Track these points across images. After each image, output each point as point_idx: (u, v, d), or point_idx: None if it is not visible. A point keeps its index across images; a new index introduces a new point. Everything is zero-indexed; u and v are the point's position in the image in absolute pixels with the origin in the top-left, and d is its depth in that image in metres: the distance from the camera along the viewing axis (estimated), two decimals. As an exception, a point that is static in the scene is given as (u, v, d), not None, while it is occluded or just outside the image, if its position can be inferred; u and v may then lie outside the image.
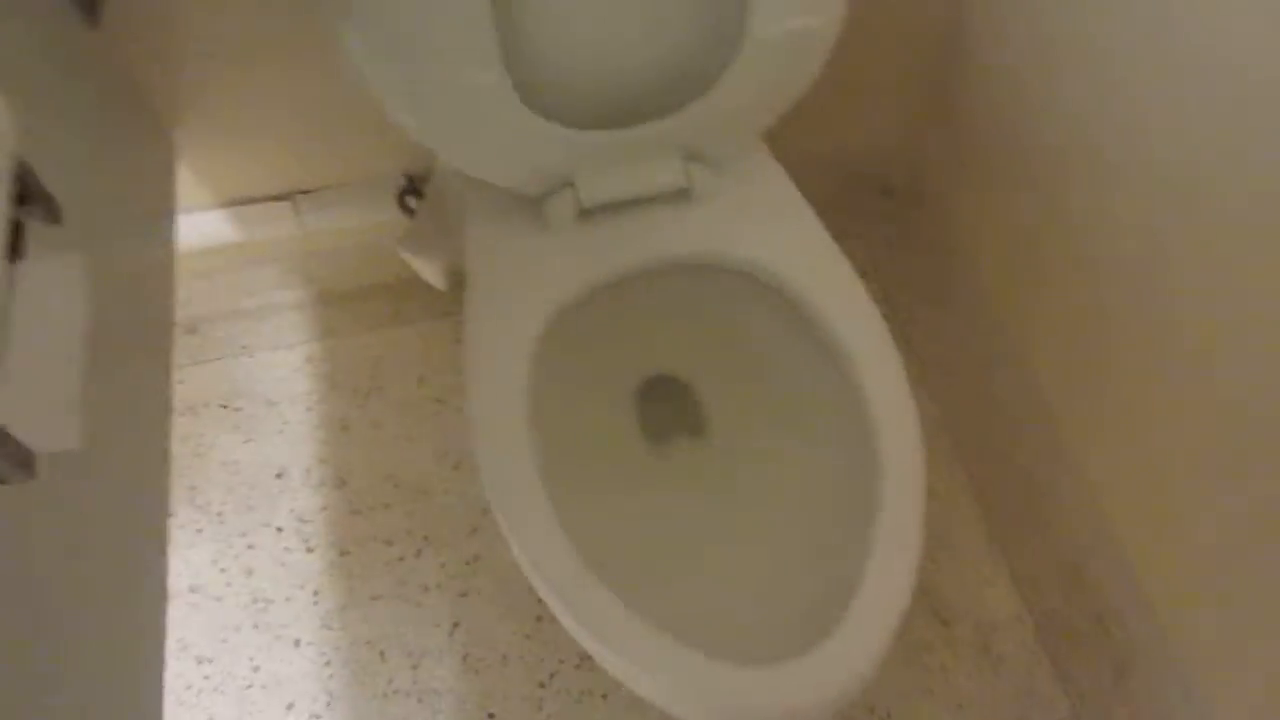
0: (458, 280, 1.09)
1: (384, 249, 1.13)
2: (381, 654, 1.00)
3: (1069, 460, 1.01)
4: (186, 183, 1.02)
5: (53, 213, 0.50)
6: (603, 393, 0.90)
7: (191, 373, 1.18)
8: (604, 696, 0.97)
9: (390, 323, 1.21)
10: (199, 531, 1.07)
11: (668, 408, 0.91)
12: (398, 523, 1.07)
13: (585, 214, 0.82)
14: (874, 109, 1.19)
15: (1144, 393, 0.86)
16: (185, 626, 1.02)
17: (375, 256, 1.18)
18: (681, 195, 0.83)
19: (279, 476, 1.10)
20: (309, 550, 1.06)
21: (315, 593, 1.03)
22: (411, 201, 1.03)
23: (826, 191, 1.29)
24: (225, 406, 1.16)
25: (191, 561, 1.05)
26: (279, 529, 1.07)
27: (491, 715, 0.97)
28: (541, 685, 0.98)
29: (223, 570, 1.05)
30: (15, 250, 0.48)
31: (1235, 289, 0.72)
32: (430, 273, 1.06)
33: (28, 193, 0.49)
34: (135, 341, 0.79)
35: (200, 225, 1.07)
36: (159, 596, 0.73)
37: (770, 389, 0.87)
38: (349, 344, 1.20)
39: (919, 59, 1.12)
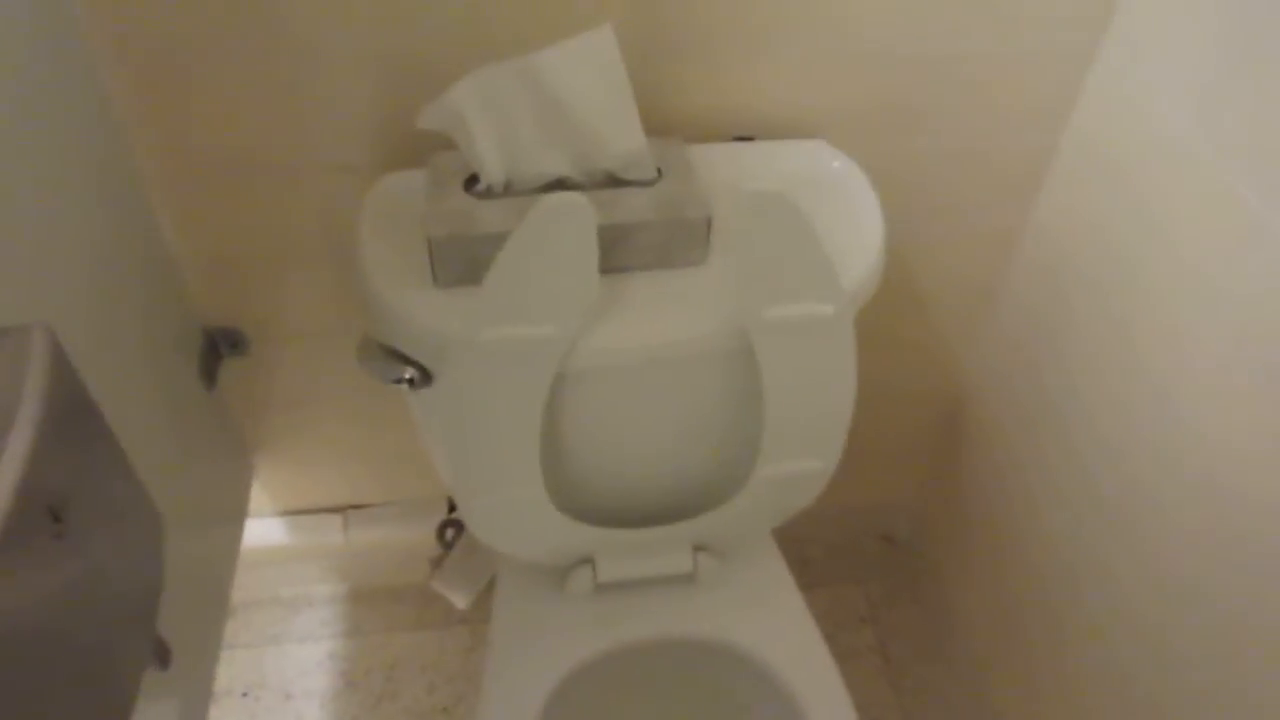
0: (479, 600, 1.19)
1: (418, 556, 1.25)
2: None
3: None
4: (258, 496, 1.16)
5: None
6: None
7: (222, 657, 1.26)
8: None
9: (412, 626, 1.30)
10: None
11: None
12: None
13: (601, 587, 0.93)
14: (880, 468, 1.32)
15: None
16: None
17: (409, 562, 1.29)
18: (687, 578, 0.94)
19: (288, 777, 1.16)
20: None
21: None
22: (449, 534, 1.15)
23: (831, 538, 1.41)
24: (246, 695, 1.23)
25: None
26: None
27: None
28: None
29: None
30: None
31: (1235, 687, 0.76)
32: (456, 598, 1.16)
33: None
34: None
35: (261, 529, 1.19)
36: None
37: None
38: (371, 643, 1.29)
39: (923, 423, 1.25)
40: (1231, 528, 0.74)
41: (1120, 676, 0.90)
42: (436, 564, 1.16)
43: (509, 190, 0.74)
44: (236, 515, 1.09)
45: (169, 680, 0.71)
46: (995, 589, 1.16)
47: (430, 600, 1.30)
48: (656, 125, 0.79)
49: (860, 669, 1.27)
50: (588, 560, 0.92)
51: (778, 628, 0.92)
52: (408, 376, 0.77)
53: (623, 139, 0.73)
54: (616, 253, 0.73)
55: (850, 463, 1.22)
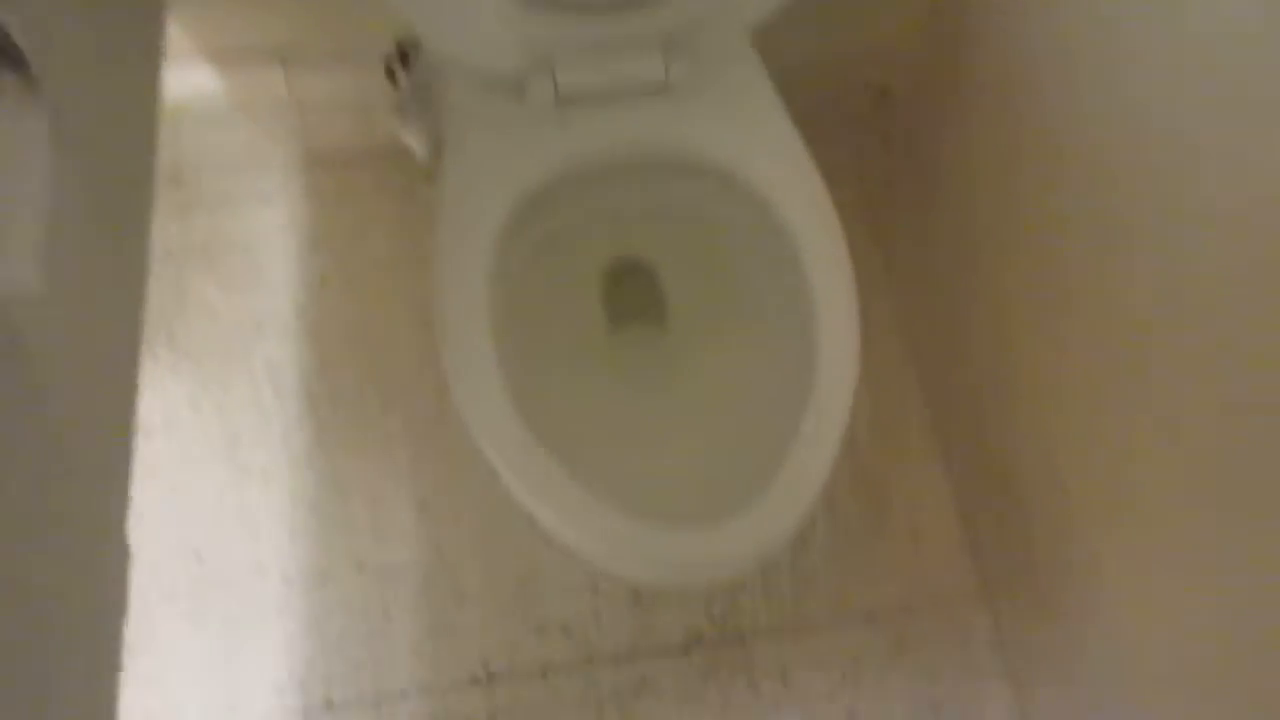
0: (439, 152, 1.12)
1: (373, 114, 1.16)
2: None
3: (1021, 385, 1.06)
4: (176, 31, 1.04)
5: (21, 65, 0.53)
6: (569, 273, 0.96)
7: (175, 221, 1.21)
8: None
9: (372, 189, 1.25)
10: (174, 373, 1.13)
11: (633, 293, 0.97)
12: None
13: (564, 100, 0.85)
14: (876, 7, 1.21)
15: (1103, 348, 0.90)
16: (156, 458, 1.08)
17: (364, 120, 1.20)
18: (659, 89, 0.86)
19: (257, 326, 1.16)
20: (278, 397, 1.12)
21: (283, 434, 1.10)
22: (399, 72, 1.06)
23: (822, 90, 1.32)
24: (206, 255, 1.20)
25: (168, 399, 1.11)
26: (252, 374, 1.13)
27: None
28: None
29: (196, 409, 1.11)
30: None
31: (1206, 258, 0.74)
32: (415, 144, 1.09)
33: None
34: (114, 189, 0.83)
35: (191, 78, 1.09)
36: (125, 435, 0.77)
37: (731, 282, 0.93)
38: (332, 207, 1.24)
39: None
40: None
41: (1114, 231, 0.86)
42: (392, 106, 1.07)
43: None
44: (150, 46, 0.97)
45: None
46: (989, 140, 1.10)
47: (392, 160, 1.23)
48: None
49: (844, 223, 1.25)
50: (546, 69, 0.84)
51: (761, 143, 0.86)
52: None
53: None
54: None
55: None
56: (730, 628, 1.03)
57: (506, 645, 1.01)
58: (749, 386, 0.88)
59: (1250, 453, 0.71)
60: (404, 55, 1.06)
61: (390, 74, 1.06)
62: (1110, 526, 0.92)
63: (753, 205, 0.85)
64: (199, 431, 1.10)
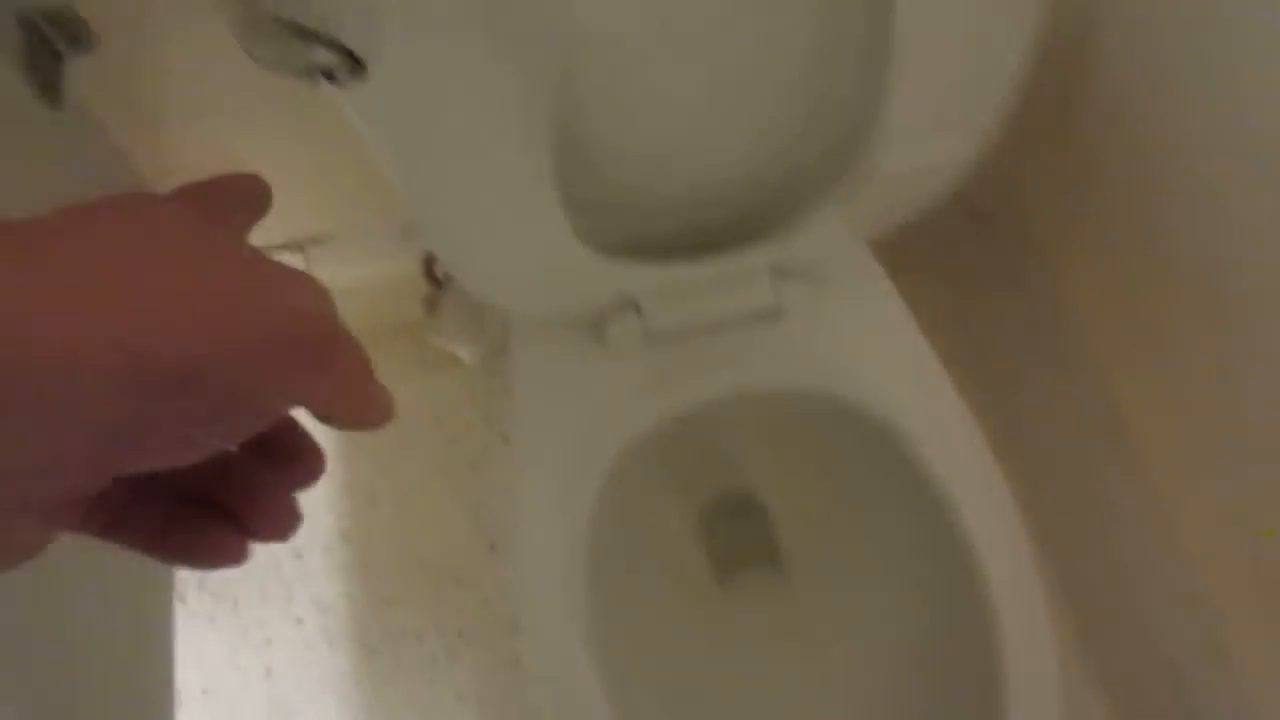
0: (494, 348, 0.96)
1: (404, 293, 1.00)
2: (412, 765, 0.92)
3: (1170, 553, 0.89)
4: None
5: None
6: (668, 518, 0.79)
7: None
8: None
9: (416, 367, 1.09)
10: (211, 621, 0.98)
11: (740, 534, 0.80)
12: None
13: (652, 336, 0.69)
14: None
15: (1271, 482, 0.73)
16: (200, 730, 0.93)
17: (395, 299, 1.05)
18: (768, 313, 0.69)
19: (297, 557, 1.00)
20: (330, 645, 0.97)
21: (340, 696, 0.95)
22: (439, 267, 0.90)
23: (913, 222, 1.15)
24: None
25: (205, 657, 0.96)
26: (299, 619, 0.98)
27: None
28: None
29: (238, 669, 0.96)
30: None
31: None
32: (463, 352, 0.93)
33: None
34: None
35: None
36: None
37: (862, 529, 0.76)
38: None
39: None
40: None
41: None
42: (430, 306, 0.92)
43: None
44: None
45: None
46: (1110, 267, 0.92)
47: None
48: None
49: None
50: (629, 303, 0.67)
51: (897, 371, 0.69)
52: (324, 65, 0.47)
53: None
54: None
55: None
56: None
57: None
58: (889, 665, 0.71)
59: None
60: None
61: (429, 272, 0.91)
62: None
63: (886, 441, 0.68)
64: (242, 697, 0.95)
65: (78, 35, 0.65)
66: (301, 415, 0.25)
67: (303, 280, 0.23)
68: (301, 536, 0.98)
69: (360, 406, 0.24)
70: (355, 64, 0.47)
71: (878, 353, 0.69)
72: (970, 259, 1.13)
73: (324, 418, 0.24)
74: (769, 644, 0.77)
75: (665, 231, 0.64)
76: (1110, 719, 0.93)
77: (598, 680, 0.60)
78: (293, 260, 0.95)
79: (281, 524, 0.27)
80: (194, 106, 0.75)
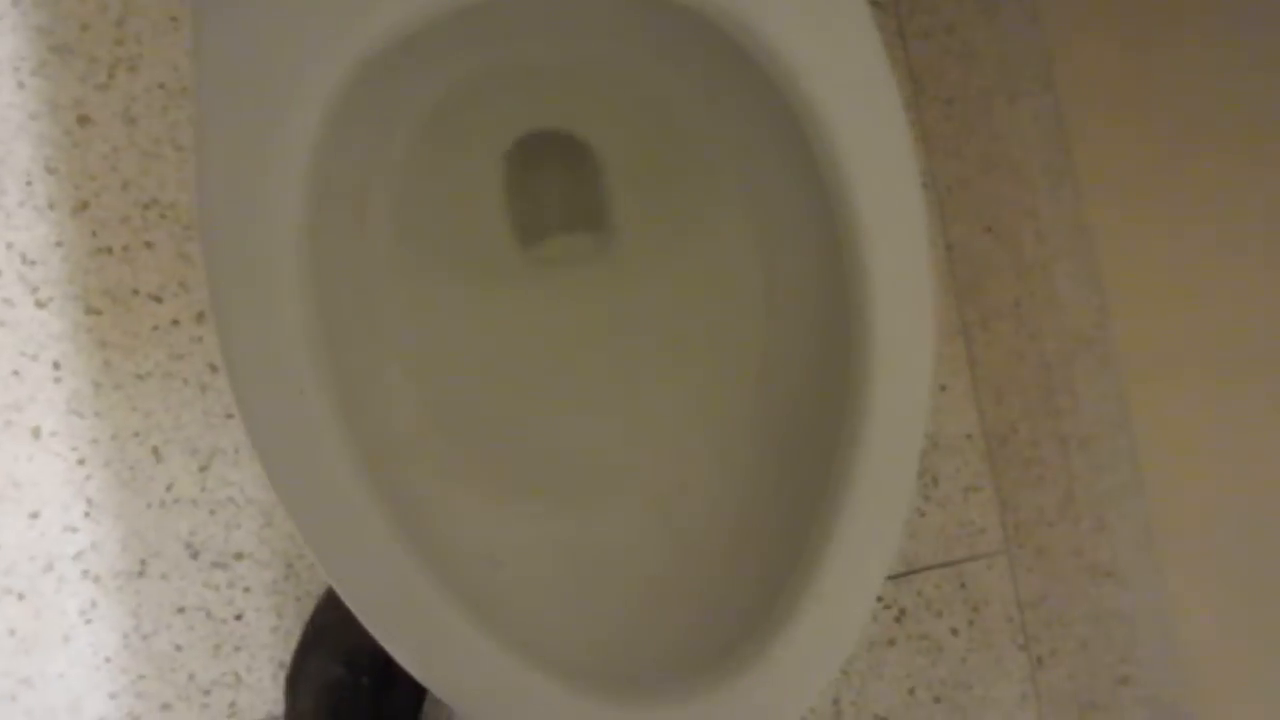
0: None
1: None
2: (155, 450, 0.76)
3: (1081, 248, 0.78)
4: None
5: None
6: (451, 155, 0.59)
7: None
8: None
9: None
10: None
11: (551, 184, 0.61)
12: (168, 269, 0.77)
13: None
14: None
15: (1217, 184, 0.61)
16: (-127, 402, 0.74)
17: None
18: None
19: (-12, 191, 0.76)
20: (39, 305, 0.76)
21: (55, 365, 0.76)
22: None
23: None
24: None
25: None
26: (-6, 269, 0.76)
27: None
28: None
29: (-83, 327, 0.75)
30: None
31: None
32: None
33: None
34: None
35: None
36: None
37: (714, 186, 0.57)
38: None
39: None
40: None
41: None
42: None
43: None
44: None
45: None
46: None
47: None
48: None
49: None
50: None
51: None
52: None
53: None
54: None
55: None
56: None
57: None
58: (734, 380, 0.56)
59: None
60: None
61: None
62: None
63: (760, 78, 0.48)
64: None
65: None
66: None
67: None
68: (-12, 164, 0.74)
69: None
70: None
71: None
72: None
73: None
74: (586, 323, 0.61)
75: None
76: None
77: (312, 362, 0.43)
78: None
79: None
80: None
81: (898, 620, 0.81)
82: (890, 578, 0.81)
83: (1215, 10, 0.65)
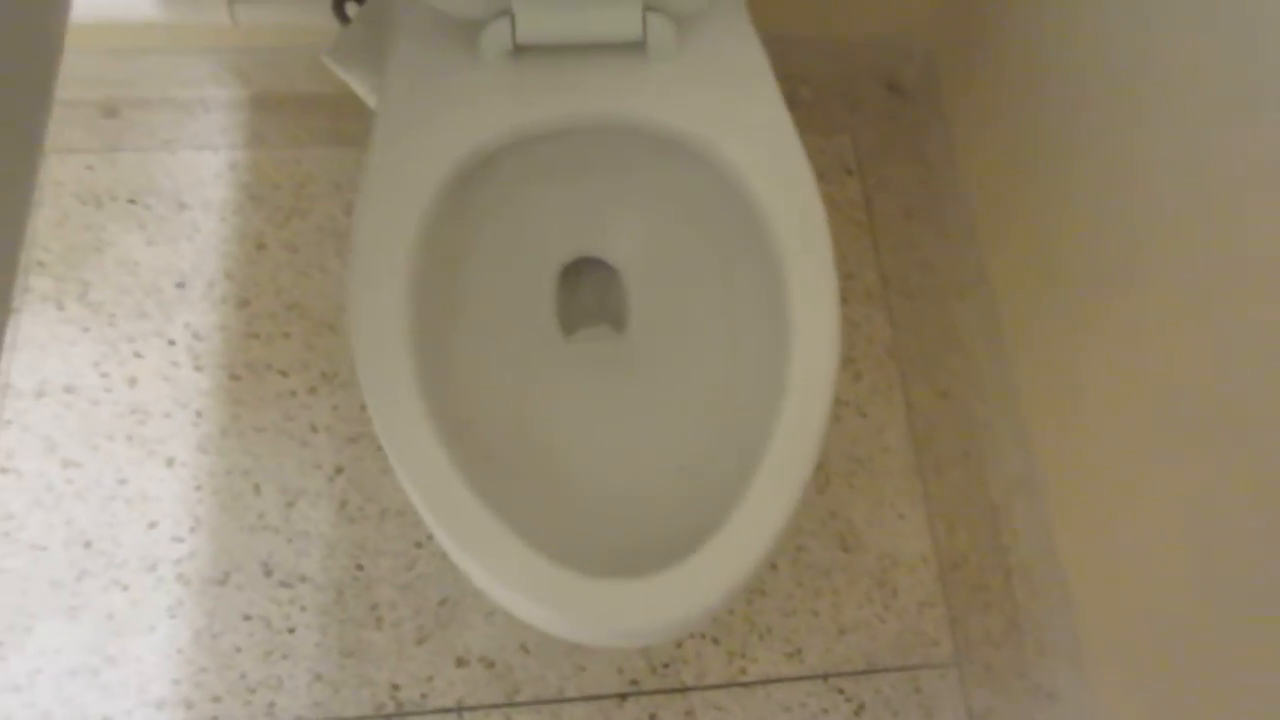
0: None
1: (321, 66, 1.03)
2: (256, 487, 0.96)
3: (1013, 410, 0.96)
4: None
5: None
6: (521, 264, 0.83)
7: (104, 160, 1.09)
8: (479, 569, 0.93)
9: (326, 140, 1.12)
10: (85, 330, 1.00)
11: (591, 294, 0.85)
12: (296, 354, 1.01)
13: (521, 51, 0.72)
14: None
15: (1106, 363, 0.80)
16: (55, 426, 0.96)
17: (317, 63, 1.07)
18: (634, 49, 0.73)
19: (180, 286, 1.03)
20: (198, 369, 1.00)
21: (197, 413, 0.98)
22: (350, 8, 0.92)
23: (824, 77, 1.20)
24: (134, 202, 1.07)
25: (72, 361, 0.99)
26: (171, 341, 1.00)
27: (360, 567, 0.93)
28: (418, 545, 0.94)
29: (104, 375, 0.99)
30: None
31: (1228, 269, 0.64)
32: (362, 88, 0.96)
33: None
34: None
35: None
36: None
37: (701, 279, 0.80)
38: (278, 156, 1.11)
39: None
40: None
41: (1121, 249, 0.74)
42: (339, 12, 0.94)
43: None
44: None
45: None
46: (999, 143, 0.97)
47: (350, 109, 1.10)
48: None
49: (839, 220, 1.12)
50: (506, 12, 0.71)
51: (745, 121, 0.73)
52: None
53: None
54: None
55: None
56: (672, 678, 0.91)
57: (421, 674, 0.90)
58: (709, 403, 0.76)
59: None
60: (357, -10, 0.93)
61: (339, 10, 0.93)
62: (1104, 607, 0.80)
63: (725, 184, 0.72)
64: (103, 400, 0.98)
65: None
66: None
67: None
68: (187, 267, 1.01)
69: None
70: None
71: (731, 99, 0.73)
72: (876, 124, 1.18)
73: None
74: (595, 383, 0.81)
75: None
76: (905, 440, 0.99)
77: (414, 370, 0.64)
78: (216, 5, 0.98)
79: None
80: None
81: (857, 714, 0.90)
82: (851, 674, 0.91)
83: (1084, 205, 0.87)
